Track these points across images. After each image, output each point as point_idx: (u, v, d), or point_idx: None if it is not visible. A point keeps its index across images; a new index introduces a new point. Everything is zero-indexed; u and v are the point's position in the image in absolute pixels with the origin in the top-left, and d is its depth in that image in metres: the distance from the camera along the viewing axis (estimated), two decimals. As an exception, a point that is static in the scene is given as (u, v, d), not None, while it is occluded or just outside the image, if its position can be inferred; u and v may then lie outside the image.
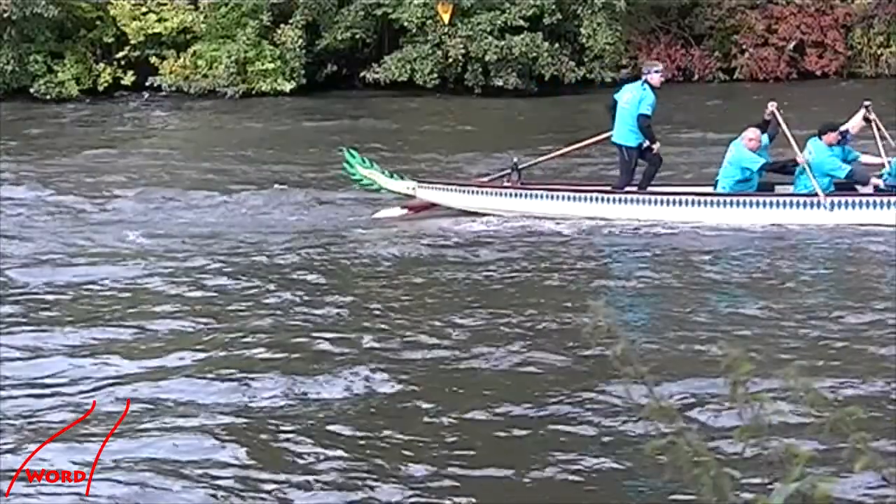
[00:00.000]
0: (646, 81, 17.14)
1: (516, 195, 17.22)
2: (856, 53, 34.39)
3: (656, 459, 2.95)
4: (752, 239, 15.69)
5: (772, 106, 16.99)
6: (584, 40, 33.31)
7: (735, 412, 2.96)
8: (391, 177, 17.75)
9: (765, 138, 16.90)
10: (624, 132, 17.01)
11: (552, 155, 18.69)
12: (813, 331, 11.32)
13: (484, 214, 17.18)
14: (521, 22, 32.72)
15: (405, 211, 17.62)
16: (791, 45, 33.93)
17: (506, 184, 17.45)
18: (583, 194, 17.00)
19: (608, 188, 17.12)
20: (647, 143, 16.91)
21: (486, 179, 18.03)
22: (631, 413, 8.58)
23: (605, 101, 18.41)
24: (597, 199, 16.88)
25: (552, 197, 17.06)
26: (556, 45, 33.34)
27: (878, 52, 34.24)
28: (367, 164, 17.88)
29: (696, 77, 33.93)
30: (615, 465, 8.18)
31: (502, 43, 32.45)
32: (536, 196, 17.14)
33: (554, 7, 32.86)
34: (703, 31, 34.74)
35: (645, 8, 34.09)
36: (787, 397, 2.99)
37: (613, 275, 14.44)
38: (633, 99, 17.00)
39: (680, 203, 16.61)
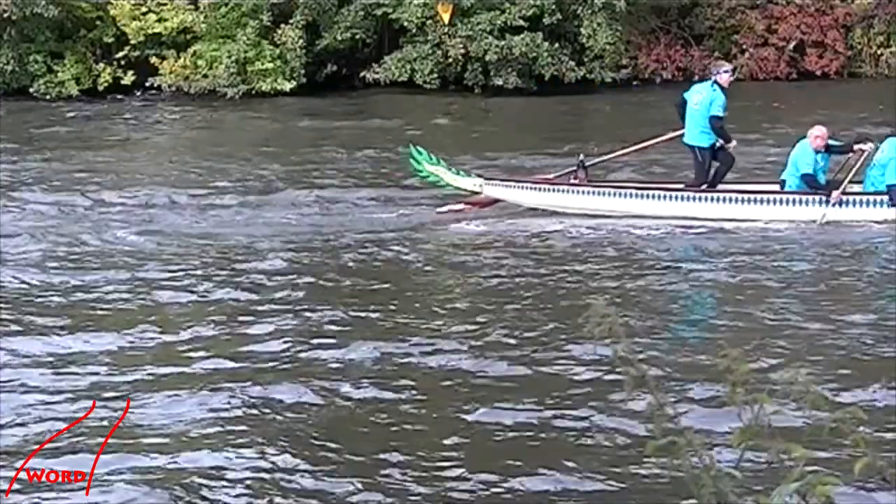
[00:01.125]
0: (715, 82, 17.20)
1: (585, 192, 17.19)
2: (856, 53, 34.40)
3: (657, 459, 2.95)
4: (822, 237, 15.59)
5: (867, 147, 16.69)
6: (584, 40, 33.31)
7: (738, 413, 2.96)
8: (457, 174, 17.76)
9: (823, 158, 16.72)
10: (696, 133, 17.06)
11: (620, 152, 18.59)
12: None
13: (551, 212, 17.14)
14: (521, 22, 32.71)
15: (468, 207, 17.64)
16: (791, 45, 33.93)
17: (573, 181, 17.44)
18: (653, 192, 17.02)
19: (678, 186, 17.12)
20: (720, 143, 16.95)
21: (552, 177, 17.99)
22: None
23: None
24: (667, 197, 16.88)
25: (622, 195, 17.08)
26: (556, 45, 33.34)
27: (878, 52, 34.25)
28: (434, 160, 17.88)
29: (696, 77, 33.92)
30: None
31: (502, 43, 32.44)
32: (606, 193, 17.14)
33: (554, 7, 32.86)
34: (703, 31, 34.74)
35: (645, 8, 34.09)
36: (789, 398, 2.99)
37: (681, 274, 14.27)
38: (703, 100, 17.03)
39: (749, 202, 16.58)
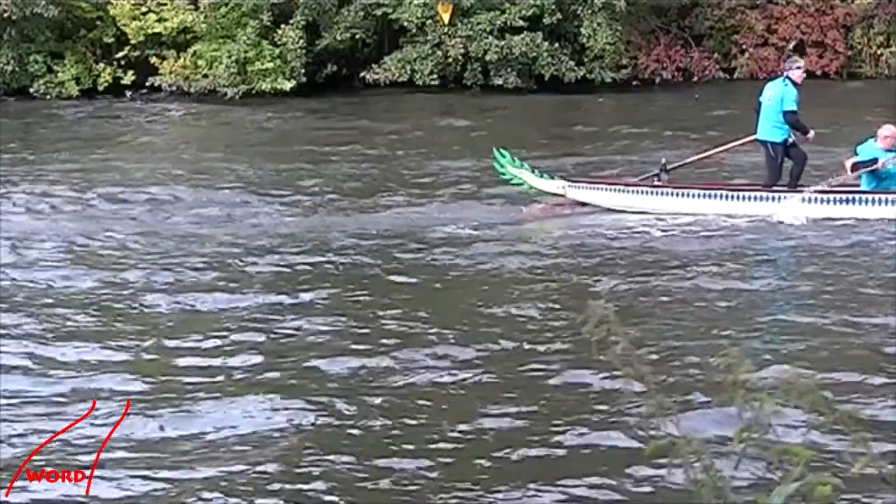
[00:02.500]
0: (787, 77, 17.23)
1: (670, 194, 17.19)
2: (856, 53, 34.41)
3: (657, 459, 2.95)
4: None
5: None
6: (584, 40, 33.32)
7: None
8: (541, 176, 17.78)
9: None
10: (768, 129, 17.07)
11: (701, 156, 18.53)
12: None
13: (633, 213, 17.10)
14: (521, 22, 32.73)
15: (547, 209, 17.64)
16: (791, 45, 33.93)
17: (656, 183, 17.44)
18: (737, 193, 16.97)
19: (760, 186, 17.06)
20: (792, 139, 16.91)
21: (634, 179, 18.00)
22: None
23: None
24: (751, 197, 16.82)
25: (706, 196, 17.03)
26: (556, 45, 33.35)
27: (878, 52, 34.26)
28: (518, 163, 17.93)
29: (696, 77, 33.94)
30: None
31: (502, 43, 32.46)
32: (690, 195, 17.12)
33: (554, 7, 32.87)
34: (703, 31, 34.75)
35: (645, 8, 34.10)
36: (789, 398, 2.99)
37: (769, 275, 14.16)
38: (775, 96, 17.05)
39: (829, 201, 16.49)
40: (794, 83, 17.09)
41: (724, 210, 16.83)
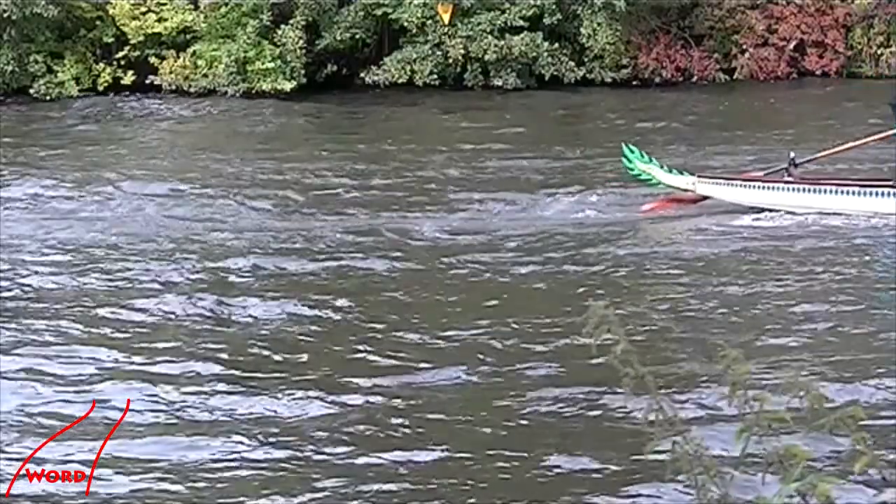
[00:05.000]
0: None
1: (804, 190, 16.90)
2: (856, 53, 34.38)
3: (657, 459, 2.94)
4: None
5: None
6: (584, 40, 33.29)
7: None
8: (670, 172, 17.63)
9: None
10: None
11: (831, 151, 18.08)
12: None
13: (761, 209, 16.92)
14: (521, 22, 32.70)
15: (669, 204, 17.56)
16: (791, 45, 33.92)
17: (787, 178, 17.14)
18: (872, 189, 16.59)
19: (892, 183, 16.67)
20: None
21: (762, 174, 17.71)
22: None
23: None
24: (886, 193, 16.38)
25: (841, 192, 16.67)
26: (556, 45, 33.32)
27: (878, 52, 34.24)
28: (647, 159, 17.78)
29: (696, 77, 33.92)
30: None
31: (502, 43, 32.43)
32: (826, 191, 16.78)
33: (554, 7, 32.84)
34: (703, 31, 34.71)
35: (645, 8, 34.06)
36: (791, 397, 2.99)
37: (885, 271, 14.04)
38: None
39: None
40: None
41: (858, 207, 16.41)
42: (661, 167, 17.64)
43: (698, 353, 10.37)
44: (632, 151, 17.82)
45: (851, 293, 12.80)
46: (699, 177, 17.64)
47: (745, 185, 17.32)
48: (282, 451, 8.61)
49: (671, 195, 17.65)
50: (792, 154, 17.49)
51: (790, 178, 17.09)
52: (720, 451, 3.25)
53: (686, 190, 17.51)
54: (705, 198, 17.44)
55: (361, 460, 8.40)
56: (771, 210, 16.83)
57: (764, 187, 17.17)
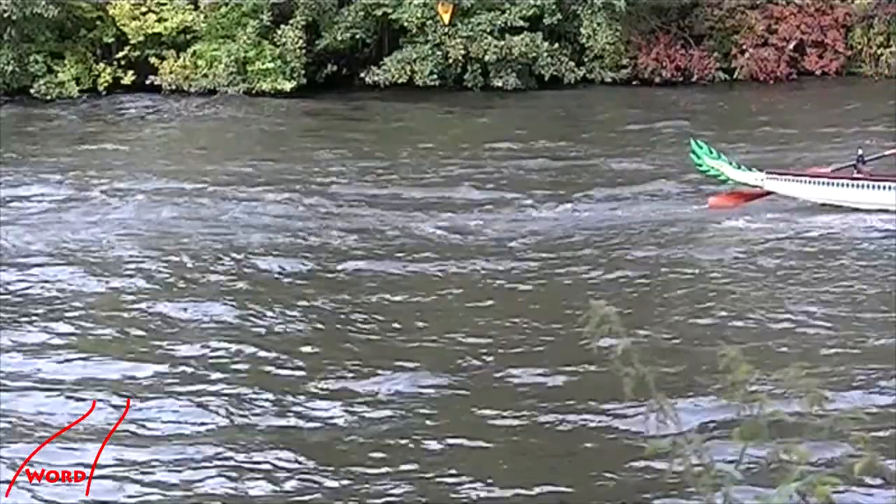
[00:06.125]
0: None
1: (872, 186, 16.78)
2: (856, 53, 34.36)
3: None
4: None
5: None
6: (584, 40, 33.27)
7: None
8: (738, 168, 17.57)
9: None
10: None
11: None
12: None
13: (832, 206, 16.84)
14: (521, 22, 32.68)
15: (735, 200, 17.47)
16: (791, 45, 33.91)
17: (855, 175, 17.03)
18: None
19: None
20: None
21: (829, 170, 17.57)
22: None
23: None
24: None
25: None
26: (556, 45, 33.31)
27: (878, 52, 34.22)
28: (715, 154, 17.72)
29: (696, 77, 33.90)
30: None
31: (502, 43, 32.42)
32: (894, 188, 16.56)
33: (554, 7, 32.82)
34: (703, 31, 34.69)
35: (645, 8, 34.05)
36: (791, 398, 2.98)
37: None
38: None
39: None
40: None
41: None
42: (730, 163, 17.57)
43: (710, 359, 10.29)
44: (700, 147, 17.75)
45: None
46: (768, 173, 17.54)
47: (813, 182, 17.23)
48: (281, 452, 8.60)
49: (736, 190, 17.55)
50: (860, 151, 17.39)
51: (859, 175, 17.01)
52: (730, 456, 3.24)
53: (754, 186, 17.43)
54: (770, 193, 17.37)
55: (358, 469, 8.39)
56: (838, 206, 16.74)
57: (832, 184, 17.10)
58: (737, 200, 17.44)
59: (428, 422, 9.23)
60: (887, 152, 17.89)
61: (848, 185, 16.99)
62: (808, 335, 11.37)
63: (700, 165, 17.78)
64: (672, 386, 9.23)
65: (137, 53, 33.69)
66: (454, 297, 13.19)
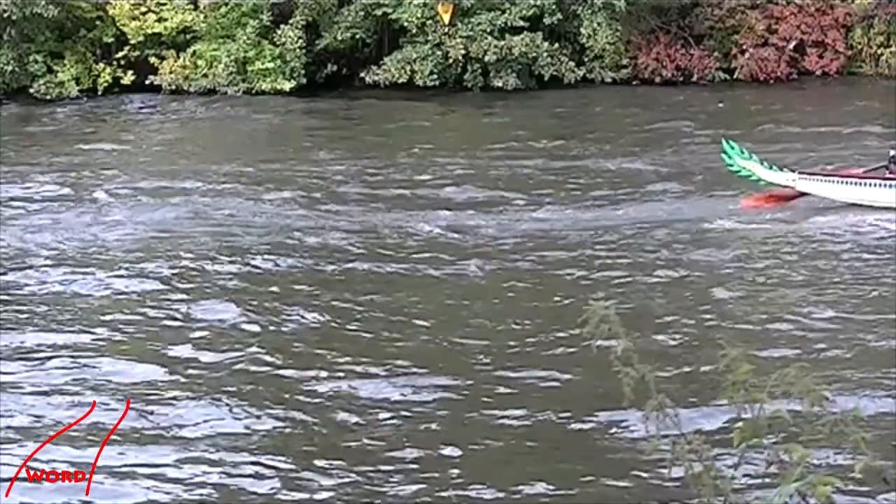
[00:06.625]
0: None
1: None
2: (856, 53, 34.36)
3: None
4: None
5: None
6: (584, 40, 33.26)
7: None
8: (770, 168, 17.56)
9: None
10: None
11: None
12: None
13: (862, 206, 16.88)
14: (521, 22, 32.67)
15: (768, 201, 17.46)
16: (791, 45, 33.89)
17: (887, 175, 17.09)
18: None
19: None
20: None
21: (861, 171, 17.64)
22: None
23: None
24: None
25: None
26: (556, 45, 33.30)
27: (878, 52, 34.22)
28: (746, 155, 17.72)
29: (696, 77, 33.90)
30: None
31: (502, 43, 32.40)
32: None
33: (554, 7, 32.82)
34: (703, 31, 34.68)
35: (645, 8, 34.04)
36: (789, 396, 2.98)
37: None
38: None
39: None
40: None
41: None
42: (762, 163, 17.57)
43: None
44: (732, 147, 17.76)
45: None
46: (800, 174, 17.57)
47: (845, 182, 17.27)
48: (281, 451, 8.60)
49: (770, 191, 17.54)
50: (892, 151, 17.43)
51: (891, 175, 17.08)
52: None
53: (786, 186, 17.44)
54: (803, 194, 17.38)
55: (358, 469, 8.39)
56: (871, 206, 16.76)
57: (863, 184, 17.15)
58: (770, 202, 17.46)
59: (428, 421, 9.22)
60: None
61: (880, 185, 17.07)
62: (809, 335, 11.36)
63: (731, 165, 17.79)
64: (672, 386, 9.23)
65: (137, 53, 33.69)
66: (454, 297, 13.19)
